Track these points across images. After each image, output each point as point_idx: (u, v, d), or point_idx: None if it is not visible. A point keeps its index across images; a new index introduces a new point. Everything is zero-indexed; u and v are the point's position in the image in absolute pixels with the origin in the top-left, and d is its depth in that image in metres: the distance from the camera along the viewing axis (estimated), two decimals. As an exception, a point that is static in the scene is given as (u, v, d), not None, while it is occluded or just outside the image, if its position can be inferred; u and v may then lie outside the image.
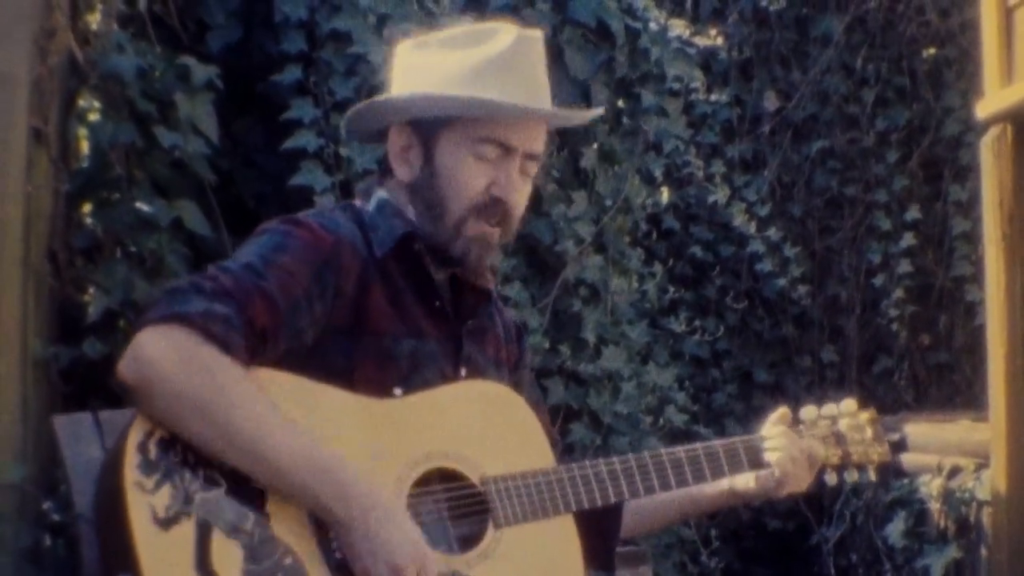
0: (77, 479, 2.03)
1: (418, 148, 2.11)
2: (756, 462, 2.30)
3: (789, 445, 2.31)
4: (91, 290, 3.04)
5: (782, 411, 2.41)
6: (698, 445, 2.27)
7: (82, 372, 3.00)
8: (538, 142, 2.13)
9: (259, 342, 1.89)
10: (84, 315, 3.00)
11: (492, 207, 2.08)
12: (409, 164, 2.13)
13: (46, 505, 2.79)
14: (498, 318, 2.31)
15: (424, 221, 2.11)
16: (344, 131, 2.28)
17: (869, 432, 2.45)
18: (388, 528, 1.85)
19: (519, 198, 2.12)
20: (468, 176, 2.07)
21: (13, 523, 2.75)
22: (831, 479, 2.43)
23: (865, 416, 2.46)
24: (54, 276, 2.99)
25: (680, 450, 2.24)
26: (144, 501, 1.77)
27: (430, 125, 2.10)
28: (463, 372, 2.15)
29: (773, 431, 2.34)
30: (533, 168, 2.14)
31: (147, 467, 1.79)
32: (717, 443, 2.29)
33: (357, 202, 2.19)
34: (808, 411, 2.43)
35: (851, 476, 2.44)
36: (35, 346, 2.89)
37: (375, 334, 2.04)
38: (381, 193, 2.16)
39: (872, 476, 2.46)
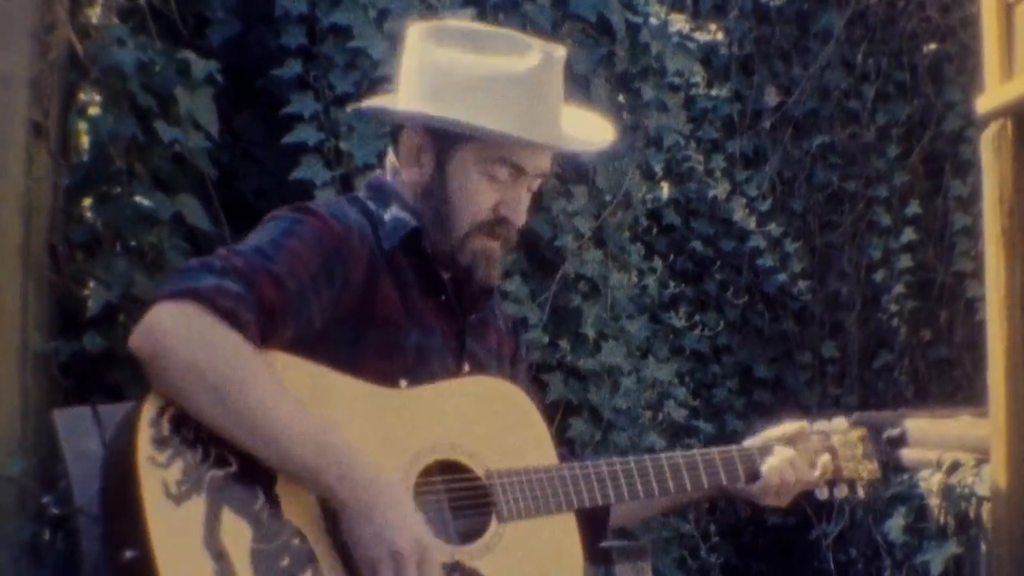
0: (77, 473, 2.03)
1: (431, 154, 2.12)
2: (752, 474, 2.34)
3: (786, 467, 2.34)
4: (91, 284, 3.04)
5: (800, 426, 2.45)
6: (696, 452, 2.31)
7: (82, 366, 3.00)
8: (548, 162, 2.17)
9: (269, 321, 1.89)
10: (84, 309, 3.00)
11: (497, 225, 2.11)
12: (420, 166, 2.13)
13: (46, 499, 2.79)
14: (498, 311, 2.33)
15: (431, 226, 2.12)
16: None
17: (860, 449, 2.49)
18: (390, 514, 1.85)
19: (523, 215, 2.15)
20: (478, 194, 2.09)
21: (13, 517, 2.76)
22: (822, 493, 2.45)
23: (856, 434, 2.50)
24: (54, 270, 2.99)
25: (679, 456, 2.27)
26: (156, 475, 1.77)
27: (446, 136, 2.10)
28: (466, 367, 2.17)
29: (776, 451, 2.36)
30: (539, 184, 2.18)
31: (160, 442, 1.79)
32: (715, 451, 2.32)
33: (361, 194, 2.19)
34: (821, 424, 2.47)
35: (841, 492, 2.46)
36: (35, 340, 2.89)
37: (383, 325, 2.05)
38: (390, 186, 2.17)
39: (861, 493, 2.49)
